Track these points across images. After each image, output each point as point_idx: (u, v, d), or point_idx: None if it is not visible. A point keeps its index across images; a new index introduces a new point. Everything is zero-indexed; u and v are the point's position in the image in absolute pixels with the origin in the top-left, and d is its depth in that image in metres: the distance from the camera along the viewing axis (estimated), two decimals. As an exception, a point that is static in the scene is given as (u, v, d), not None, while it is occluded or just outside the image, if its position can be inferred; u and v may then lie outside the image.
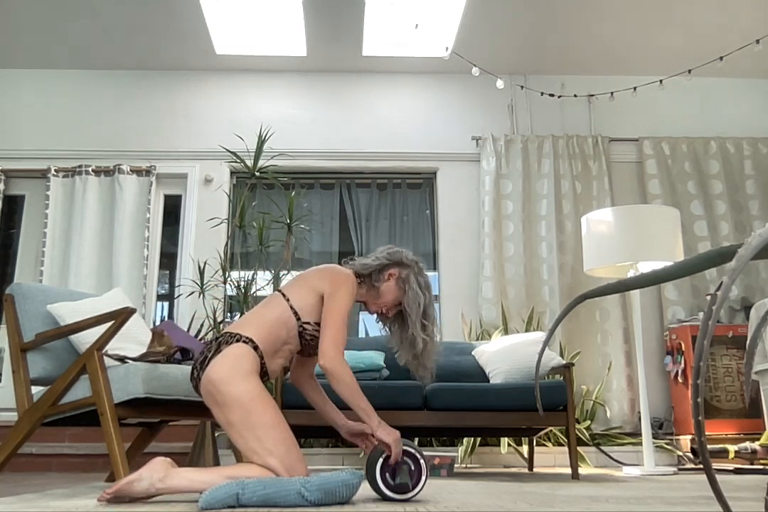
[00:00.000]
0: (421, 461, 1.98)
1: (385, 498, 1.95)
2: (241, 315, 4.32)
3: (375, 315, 2.30)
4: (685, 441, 4.27)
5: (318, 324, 2.07)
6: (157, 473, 1.75)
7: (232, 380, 1.89)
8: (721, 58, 4.70)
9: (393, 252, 2.25)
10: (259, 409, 1.87)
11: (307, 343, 2.10)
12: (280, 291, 2.13)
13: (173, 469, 1.78)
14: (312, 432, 3.75)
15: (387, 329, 2.28)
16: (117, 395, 2.46)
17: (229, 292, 4.71)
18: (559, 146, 5.16)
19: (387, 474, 1.94)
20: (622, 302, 4.81)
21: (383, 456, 1.96)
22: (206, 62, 5.23)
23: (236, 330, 2.00)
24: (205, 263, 4.57)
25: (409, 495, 1.94)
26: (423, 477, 1.95)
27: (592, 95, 5.28)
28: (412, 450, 1.99)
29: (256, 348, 1.97)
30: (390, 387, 3.23)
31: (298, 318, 2.06)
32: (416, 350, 2.15)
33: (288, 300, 2.08)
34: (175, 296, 4.88)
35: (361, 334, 5.03)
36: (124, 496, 1.76)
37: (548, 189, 5.05)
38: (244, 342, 1.96)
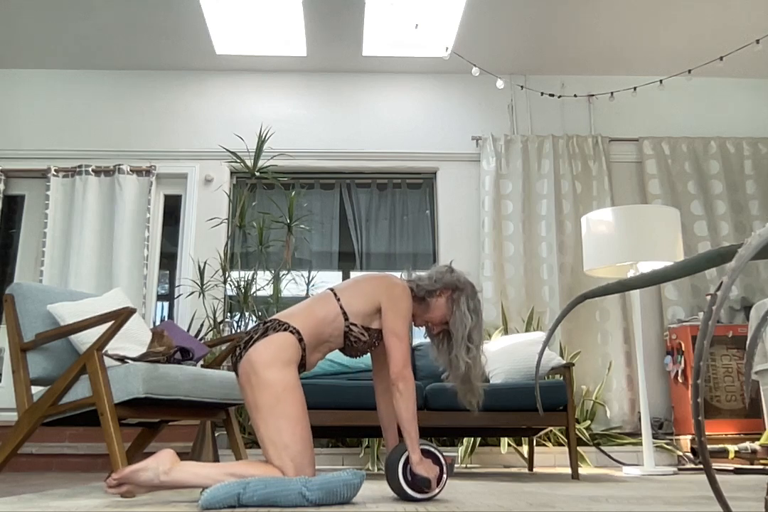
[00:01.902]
0: (442, 459, 2.02)
1: (405, 498, 1.97)
2: (241, 316, 4.33)
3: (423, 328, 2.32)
4: (685, 441, 4.27)
5: (365, 327, 2.11)
6: (163, 465, 1.76)
7: (272, 365, 1.92)
8: (721, 58, 4.70)
9: (449, 275, 2.25)
10: (289, 400, 1.89)
11: (351, 344, 2.14)
12: (332, 290, 2.16)
13: (179, 463, 1.79)
14: (312, 432, 3.75)
15: (434, 347, 2.28)
16: (117, 395, 2.45)
17: (229, 292, 4.71)
18: (559, 146, 5.16)
19: (408, 474, 1.97)
20: (622, 302, 4.81)
21: (404, 456, 1.97)
22: (206, 62, 5.23)
23: (285, 319, 2.03)
24: (205, 263, 4.57)
25: (431, 494, 1.97)
26: (444, 476, 2.00)
27: (592, 95, 5.28)
28: (433, 450, 2.02)
29: (301, 340, 2.00)
30: (390, 387, 3.22)
31: (347, 319, 2.09)
32: (458, 372, 2.15)
33: (339, 300, 2.11)
34: (175, 296, 4.88)
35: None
36: (129, 484, 1.76)
37: (548, 189, 5.05)
38: (291, 332, 1.99)
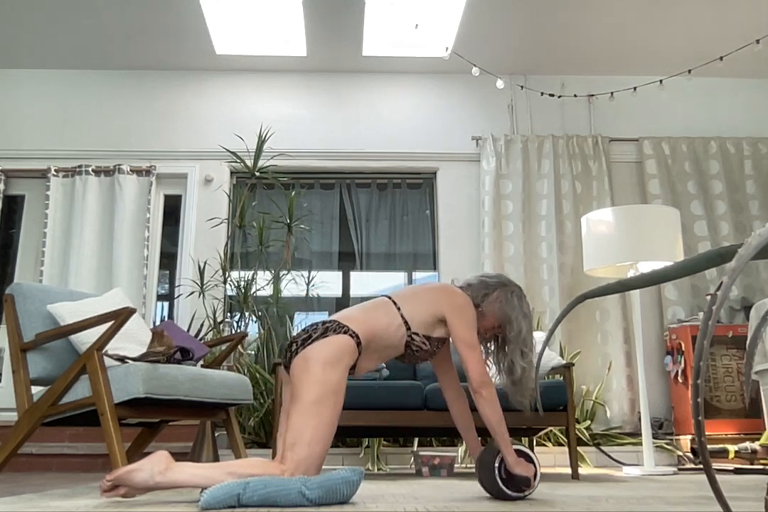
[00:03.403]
0: (533, 457, 2.08)
1: (501, 497, 2.01)
2: (241, 316, 4.33)
3: None
4: (685, 441, 4.27)
5: (426, 337, 2.13)
6: (158, 466, 1.76)
7: (327, 365, 1.93)
8: (721, 58, 4.70)
9: (497, 278, 2.29)
10: (330, 403, 1.91)
11: (412, 353, 2.15)
12: (390, 298, 2.17)
13: (175, 463, 1.79)
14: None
15: (482, 348, 2.29)
16: (117, 395, 2.45)
17: (229, 292, 4.72)
18: (559, 146, 5.16)
19: (504, 474, 2.02)
20: (622, 302, 4.80)
21: (499, 457, 2.02)
22: (206, 62, 5.23)
23: (345, 322, 2.04)
24: (205, 263, 4.57)
25: (528, 491, 2.03)
26: (539, 473, 2.05)
27: (592, 95, 5.28)
28: (523, 449, 2.07)
29: (359, 344, 2.01)
30: (390, 387, 3.23)
31: (408, 328, 2.11)
32: (514, 377, 2.17)
33: (399, 308, 2.13)
34: (175, 296, 4.88)
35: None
36: (123, 485, 1.75)
37: (548, 189, 5.05)
38: (350, 335, 2.00)
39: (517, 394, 2.19)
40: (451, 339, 2.17)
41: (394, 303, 2.14)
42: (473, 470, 3.80)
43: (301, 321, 5.00)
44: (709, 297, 0.85)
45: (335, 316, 2.10)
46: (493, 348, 2.28)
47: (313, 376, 1.91)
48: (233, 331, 4.39)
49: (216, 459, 3.51)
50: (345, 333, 2.00)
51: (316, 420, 1.88)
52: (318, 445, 1.86)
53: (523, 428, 3.62)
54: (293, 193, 4.59)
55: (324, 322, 2.05)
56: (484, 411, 2.05)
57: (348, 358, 1.98)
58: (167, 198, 5.25)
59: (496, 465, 2.01)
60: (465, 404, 2.33)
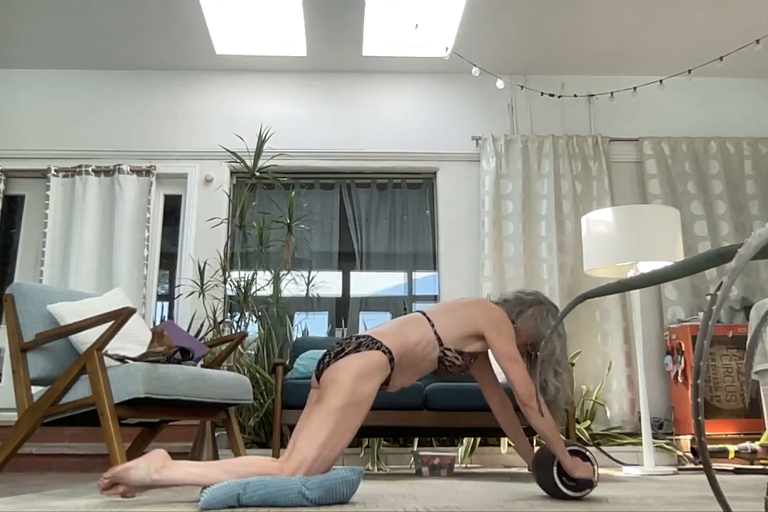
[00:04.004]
0: (589, 455, 2.10)
1: (560, 497, 2.03)
2: (241, 316, 4.33)
3: None
4: (685, 441, 4.27)
5: (458, 351, 2.13)
6: (155, 464, 1.76)
7: (358, 378, 1.94)
8: (721, 58, 4.70)
9: (533, 296, 2.30)
10: (352, 414, 1.91)
11: (445, 368, 2.16)
12: (423, 313, 2.18)
13: (171, 461, 1.79)
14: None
15: None
16: (117, 395, 2.45)
17: (229, 292, 4.72)
18: (559, 146, 5.16)
19: (564, 476, 2.04)
20: (622, 302, 4.80)
21: (556, 460, 2.05)
22: (206, 62, 5.23)
23: (378, 338, 2.05)
24: (205, 263, 4.58)
25: (588, 491, 2.04)
26: (597, 470, 2.07)
27: (592, 95, 5.28)
28: (578, 448, 2.09)
29: (391, 360, 2.02)
30: (390, 387, 3.22)
31: (441, 344, 2.11)
32: (547, 397, 2.17)
33: (433, 325, 2.13)
34: (175, 296, 4.88)
35: (361, 334, 5.02)
36: (121, 483, 1.75)
37: (548, 189, 5.05)
38: (383, 351, 2.01)
39: (548, 406, 2.18)
40: (491, 355, 2.17)
41: (428, 319, 2.15)
42: (473, 470, 3.80)
43: (300, 321, 5.00)
44: (709, 297, 0.85)
45: (368, 332, 2.11)
46: (528, 366, 2.27)
47: (342, 385, 1.92)
48: (233, 331, 4.39)
49: (216, 459, 3.51)
50: (378, 349, 2.01)
51: (333, 426, 1.88)
52: (327, 451, 1.86)
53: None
54: (293, 193, 4.59)
55: (357, 337, 2.06)
56: (536, 423, 2.06)
57: (379, 374, 1.99)
58: (167, 198, 5.25)
59: (555, 469, 2.04)
60: (511, 411, 2.35)
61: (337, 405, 1.90)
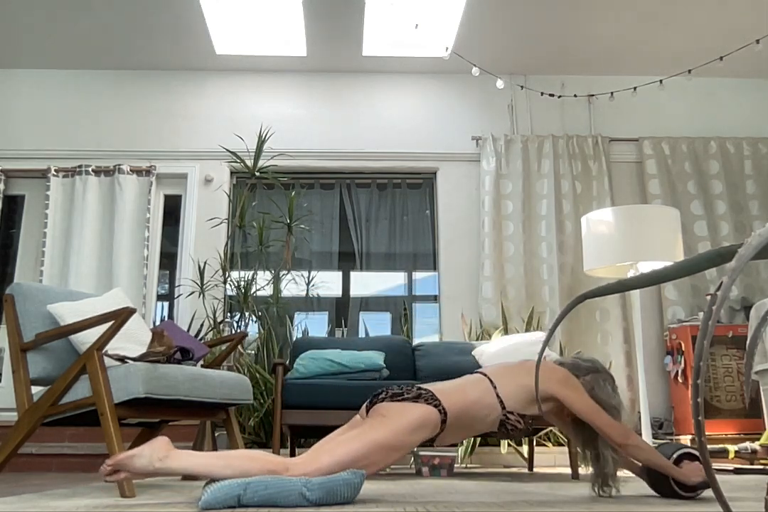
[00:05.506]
0: (696, 453, 2.09)
1: (672, 497, 2.04)
2: (241, 316, 4.33)
3: None
4: (685, 441, 4.27)
5: (521, 415, 2.10)
6: (158, 452, 1.75)
7: (409, 425, 1.93)
8: (721, 58, 4.70)
9: (591, 362, 2.28)
10: (385, 455, 1.89)
11: (507, 432, 2.13)
12: (485, 375, 2.15)
13: (174, 450, 1.78)
14: (312, 432, 3.75)
15: (571, 433, 2.28)
16: (117, 395, 2.45)
17: (229, 292, 4.72)
18: (559, 146, 5.16)
19: (680, 485, 2.04)
20: (622, 302, 4.80)
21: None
22: (206, 62, 5.23)
23: (439, 396, 2.02)
24: (205, 263, 4.57)
25: (701, 492, 2.06)
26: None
27: (592, 95, 5.28)
28: (685, 451, 2.09)
29: (444, 421, 2.00)
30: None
31: (503, 407, 2.09)
32: (600, 468, 2.11)
33: (495, 387, 2.10)
34: (175, 296, 4.88)
35: (361, 334, 5.03)
36: (123, 470, 1.75)
37: (548, 189, 5.05)
38: (439, 411, 1.99)
39: (597, 479, 2.10)
40: (577, 414, 2.11)
41: (491, 381, 2.12)
42: (473, 470, 3.80)
43: (300, 321, 5.01)
44: (709, 297, 0.85)
45: (429, 386, 2.08)
46: (577, 428, 2.20)
47: (393, 425, 1.91)
48: (233, 331, 4.39)
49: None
50: (435, 406, 1.98)
51: (361, 455, 1.86)
52: (340, 470, 1.83)
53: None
54: (293, 193, 4.59)
55: (419, 388, 2.04)
56: (638, 457, 2.05)
57: (428, 431, 1.97)
58: (167, 198, 5.25)
59: (672, 482, 2.04)
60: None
61: (379, 439, 1.88)
